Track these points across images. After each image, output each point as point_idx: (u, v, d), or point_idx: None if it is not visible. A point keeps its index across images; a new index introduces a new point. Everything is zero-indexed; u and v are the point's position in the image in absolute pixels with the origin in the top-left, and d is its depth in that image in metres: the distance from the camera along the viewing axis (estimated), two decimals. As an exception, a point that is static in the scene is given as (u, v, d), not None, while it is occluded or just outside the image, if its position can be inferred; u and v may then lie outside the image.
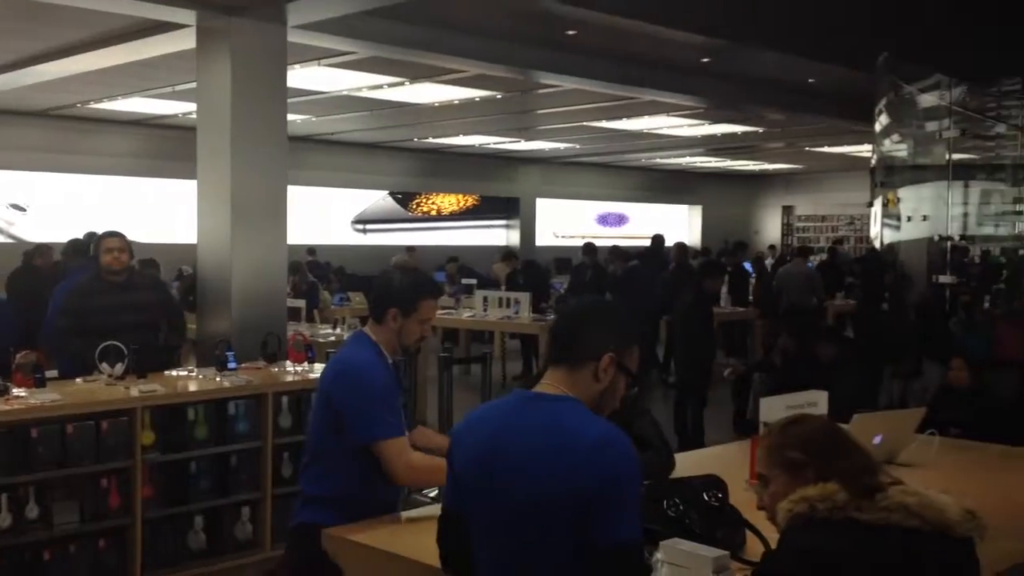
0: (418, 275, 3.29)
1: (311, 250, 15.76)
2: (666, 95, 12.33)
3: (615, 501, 1.87)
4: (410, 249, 15.95)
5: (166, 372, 5.37)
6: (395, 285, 3.12)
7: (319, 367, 5.41)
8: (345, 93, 12.29)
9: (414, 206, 20.91)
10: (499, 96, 12.60)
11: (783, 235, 26.10)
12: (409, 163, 19.80)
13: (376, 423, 2.92)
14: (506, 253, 12.85)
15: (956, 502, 2.03)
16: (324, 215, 18.89)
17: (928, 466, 3.68)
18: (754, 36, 9.81)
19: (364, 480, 2.98)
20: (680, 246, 12.61)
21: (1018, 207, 9.09)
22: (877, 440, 3.59)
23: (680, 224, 24.62)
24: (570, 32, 9.50)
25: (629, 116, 14.61)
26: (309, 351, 5.64)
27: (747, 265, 15.89)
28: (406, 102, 13.16)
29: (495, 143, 18.72)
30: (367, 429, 2.92)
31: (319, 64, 10.03)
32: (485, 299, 10.89)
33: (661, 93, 12.15)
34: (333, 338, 8.25)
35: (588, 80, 11.16)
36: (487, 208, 21.95)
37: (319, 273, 13.45)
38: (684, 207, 25.50)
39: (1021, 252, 11.09)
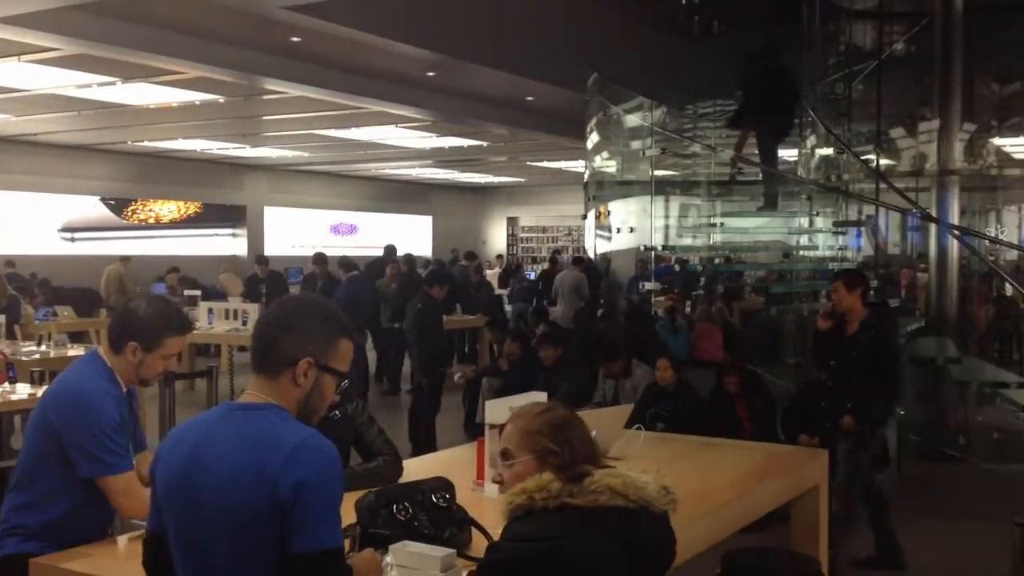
0: (166, 309, 2.98)
1: (9, 261, 14.41)
2: (394, 106, 12.48)
3: (314, 508, 1.87)
4: (125, 259, 15.02)
5: None
6: (139, 317, 2.88)
7: (22, 387, 4.98)
8: (50, 91, 11.40)
9: (129, 213, 19.66)
10: (221, 100, 12.19)
11: (508, 245, 27.11)
12: (123, 167, 18.62)
13: (103, 458, 2.74)
14: (258, 259, 12.36)
15: (655, 480, 2.22)
16: (27, 222, 17.32)
17: (636, 458, 3.97)
18: (475, 54, 10.18)
19: (79, 510, 2.80)
20: (408, 256, 12.80)
21: (712, 220, 10.01)
22: (592, 435, 3.85)
23: (412, 234, 24.90)
24: (294, 39, 9.39)
25: (358, 125, 14.62)
26: (10, 370, 5.19)
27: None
28: (119, 103, 12.42)
29: (219, 148, 18.05)
30: (93, 464, 2.74)
31: (19, 60, 9.26)
32: (210, 311, 10.48)
33: (388, 104, 12.29)
34: (37, 356, 7.60)
35: (314, 88, 11.08)
36: (211, 216, 21.06)
37: (21, 285, 12.34)
38: (416, 217, 25.83)
39: (716, 261, 12.23)
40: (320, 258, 11.71)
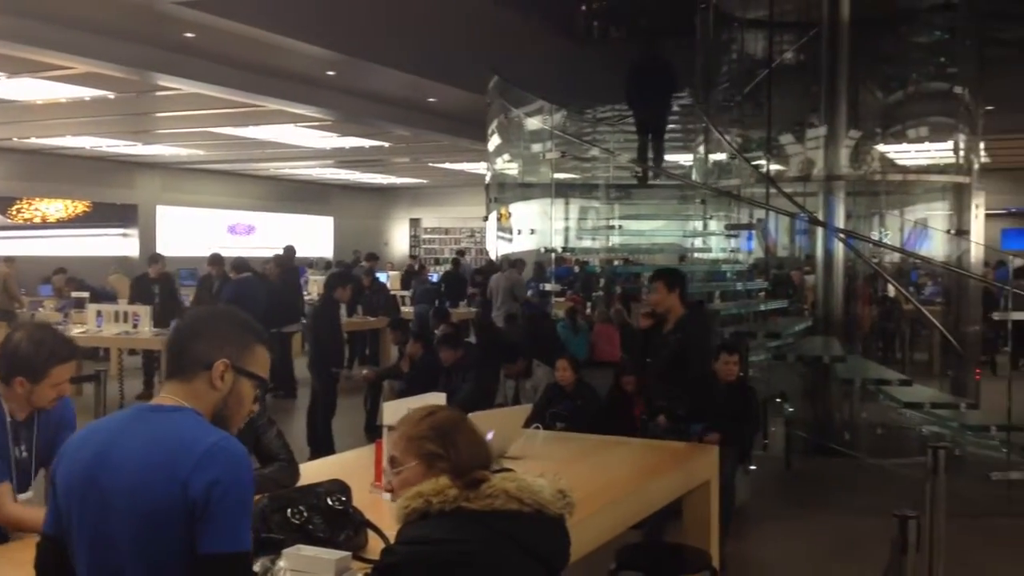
0: (48, 338, 2.93)
1: None
2: (292, 105, 12.30)
3: (226, 509, 1.85)
4: (8, 260, 14.37)
5: None
6: (20, 354, 2.86)
7: None
8: (-74, 85, 10.89)
9: (14, 212, 18.88)
10: (112, 96, 11.82)
11: (411, 246, 26.99)
12: (8, 165, 17.87)
13: None
14: (152, 257, 11.91)
15: (550, 484, 2.24)
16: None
17: (535, 457, 4.04)
18: (375, 53, 10.12)
19: None
20: (282, 257, 12.61)
21: (610, 222, 10.18)
22: (489, 436, 3.86)
23: (313, 235, 24.54)
24: (188, 34, 9.17)
25: (255, 124, 14.36)
26: None
27: (382, 276, 16.30)
28: (3, 99, 11.93)
29: (109, 146, 17.48)
30: None
31: None
32: (99, 313, 10.14)
33: (287, 103, 12.11)
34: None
35: (209, 85, 10.84)
36: (101, 215, 20.35)
37: None
38: (316, 218, 25.47)
39: (615, 263, 12.44)
40: (216, 259, 11.43)
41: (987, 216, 10.08)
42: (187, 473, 1.84)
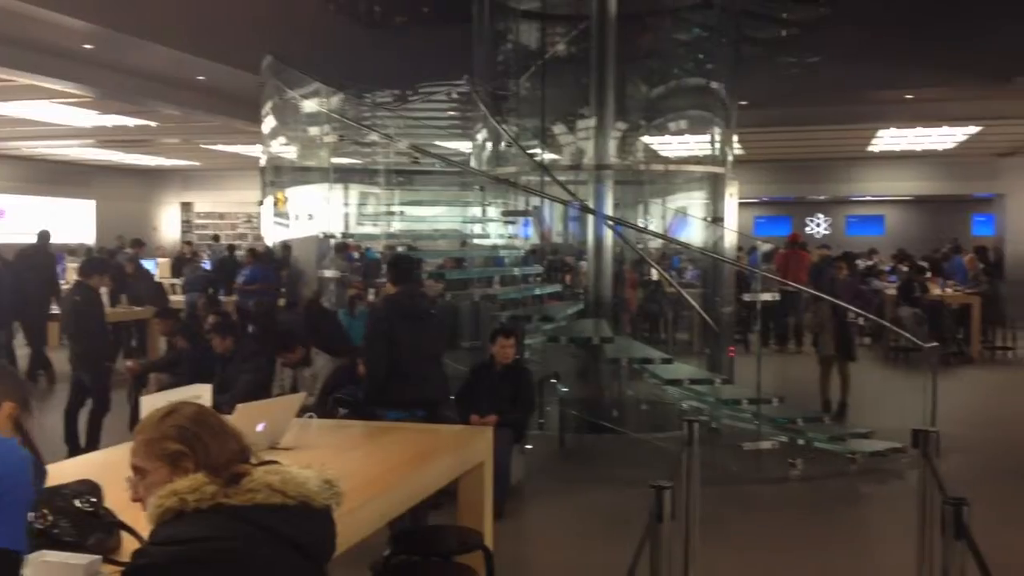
0: None
1: None
2: (46, 80, 11.40)
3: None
4: None
5: None
6: None
7: None
8: None
9: None
10: None
11: (183, 232, 25.77)
12: None
13: None
14: None
15: (316, 475, 2.19)
16: None
17: (308, 447, 3.97)
18: (138, 27, 9.56)
19: None
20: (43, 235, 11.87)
21: (391, 208, 10.15)
22: (260, 428, 3.78)
23: (72, 219, 22.85)
24: (-77, -1, 8.30)
25: (5, 99, 13.20)
26: None
27: (149, 263, 15.46)
28: None
29: None
30: None
31: None
32: None
33: (40, 77, 11.20)
34: None
35: (-51, 56, 9.86)
36: None
37: None
38: (76, 201, 23.72)
39: (398, 249, 12.40)
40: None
41: (741, 205, 10.87)
42: None
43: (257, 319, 11.13)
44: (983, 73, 11.49)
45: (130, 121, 15.60)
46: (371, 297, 12.25)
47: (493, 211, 9.85)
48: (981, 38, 9.98)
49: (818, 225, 24.44)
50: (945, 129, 16.15)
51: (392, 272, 5.94)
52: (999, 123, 15.29)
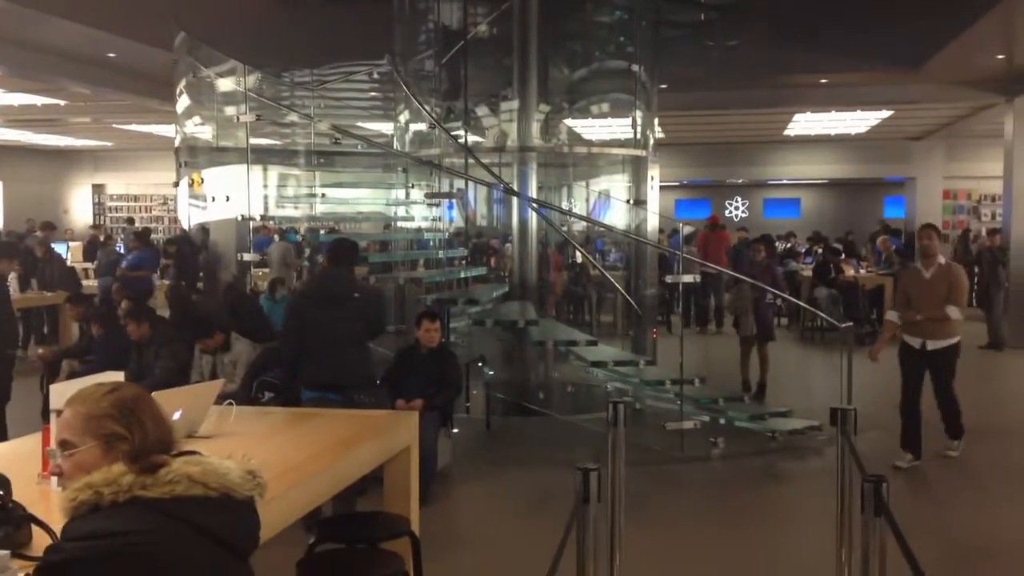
0: None
1: None
2: (-56, 55, 10.88)
3: None
4: None
5: None
6: None
7: None
8: None
9: None
10: None
11: (95, 214, 24.96)
12: None
13: None
14: None
15: (239, 466, 2.13)
16: None
17: (229, 435, 3.87)
18: (45, 1, 9.17)
19: None
20: None
21: (312, 190, 9.96)
22: (177, 416, 3.66)
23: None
24: None
25: (-103, 76, 12.56)
26: None
27: (60, 246, 14.96)
28: None
29: None
30: None
31: None
32: None
33: (-63, 52, 10.69)
34: None
35: None
36: None
37: None
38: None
39: (321, 232, 12.19)
40: None
41: (662, 188, 10.97)
42: None
43: (174, 304, 10.84)
44: (895, 59, 11.78)
45: (38, 100, 15.01)
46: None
47: (417, 193, 9.75)
48: (893, 25, 10.23)
49: (737, 208, 24.87)
50: (859, 113, 16.55)
51: (327, 255, 5.93)
52: (910, 107, 15.73)
